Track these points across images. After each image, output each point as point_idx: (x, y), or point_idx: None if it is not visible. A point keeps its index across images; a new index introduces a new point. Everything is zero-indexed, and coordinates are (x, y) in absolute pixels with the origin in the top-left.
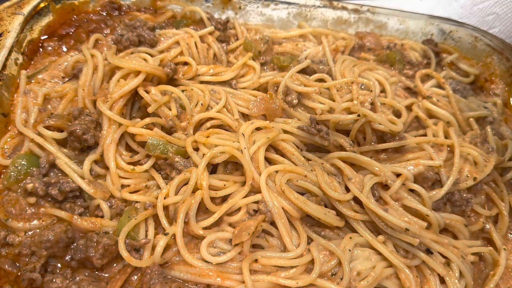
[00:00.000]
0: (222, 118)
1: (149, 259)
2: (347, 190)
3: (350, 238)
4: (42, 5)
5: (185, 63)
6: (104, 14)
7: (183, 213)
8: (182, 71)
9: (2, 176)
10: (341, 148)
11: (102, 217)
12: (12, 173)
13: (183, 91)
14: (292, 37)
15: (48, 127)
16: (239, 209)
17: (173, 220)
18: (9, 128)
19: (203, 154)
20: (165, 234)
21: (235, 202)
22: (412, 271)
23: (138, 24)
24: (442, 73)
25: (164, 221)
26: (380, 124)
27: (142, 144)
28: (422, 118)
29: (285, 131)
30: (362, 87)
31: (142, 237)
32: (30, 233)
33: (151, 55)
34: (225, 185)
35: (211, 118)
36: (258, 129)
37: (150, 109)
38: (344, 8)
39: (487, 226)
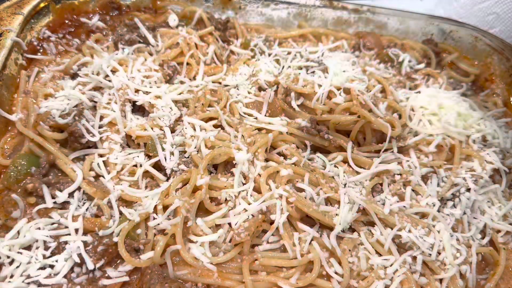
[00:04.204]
0: (222, 118)
1: (149, 259)
2: None
3: (350, 238)
4: (42, 5)
5: (186, 63)
6: (104, 14)
7: (183, 213)
8: (183, 71)
9: (2, 176)
10: (341, 148)
11: (102, 217)
12: (12, 173)
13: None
14: (292, 37)
15: (48, 127)
16: (239, 209)
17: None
18: (9, 128)
19: (204, 155)
20: (165, 234)
21: (235, 202)
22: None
23: (138, 24)
24: (442, 73)
25: (164, 221)
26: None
27: (143, 144)
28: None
29: (286, 132)
30: (362, 87)
31: (141, 237)
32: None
33: (151, 55)
34: (225, 185)
35: (212, 118)
36: (258, 129)
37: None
38: (344, 8)
39: None
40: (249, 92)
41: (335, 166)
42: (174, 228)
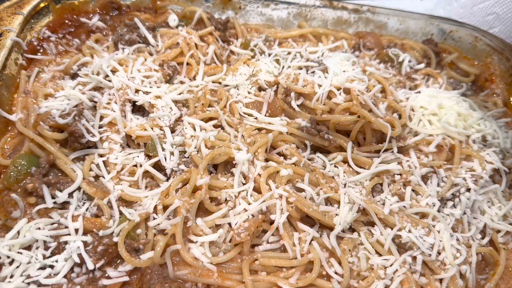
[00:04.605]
0: (222, 118)
1: (149, 259)
2: None
3: (350, 238)
4: (42, 5)
5: (186, 63)
6: (104, 14)
7: (183, 213)
8: (183, 71)
9: (2, 176)
10: (341, 148)
11: (102, 217)
12: (12, 173)
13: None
14: (292, 37)
15: (48, 127)
16: (239, 209)
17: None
18: (9, 128)
19: (204, 155)
20: (165, 234)
21: (235, 202)
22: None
23: (138, 24)
24: (442, 73)
25: (164, 221)
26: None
27: (143, 144)
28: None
29: (286, 132)
30: (362, 87)
31: (141, 237)
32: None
33: (151, 55)
34: (225, 185)
35: (212, 118)
36: (258, 129)
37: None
38: (344, 8)
39: None
40: (249, 92)
41: (335, 166)
42: (174, 228)
